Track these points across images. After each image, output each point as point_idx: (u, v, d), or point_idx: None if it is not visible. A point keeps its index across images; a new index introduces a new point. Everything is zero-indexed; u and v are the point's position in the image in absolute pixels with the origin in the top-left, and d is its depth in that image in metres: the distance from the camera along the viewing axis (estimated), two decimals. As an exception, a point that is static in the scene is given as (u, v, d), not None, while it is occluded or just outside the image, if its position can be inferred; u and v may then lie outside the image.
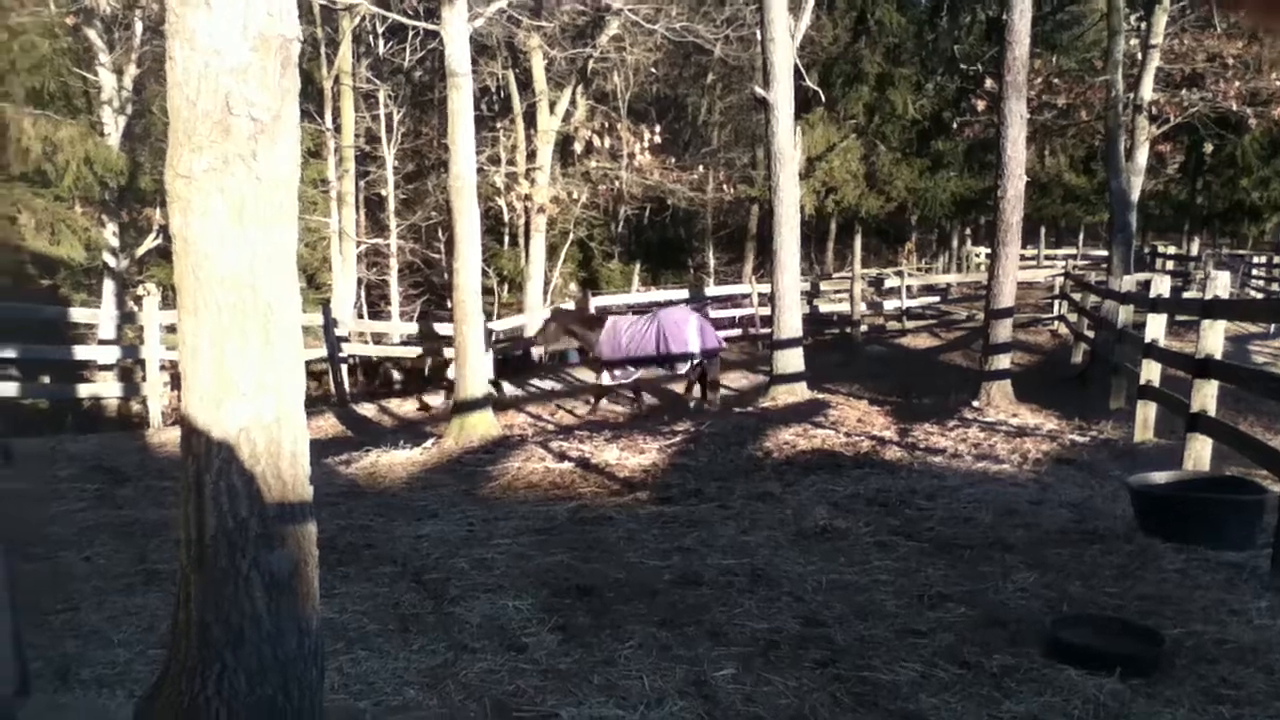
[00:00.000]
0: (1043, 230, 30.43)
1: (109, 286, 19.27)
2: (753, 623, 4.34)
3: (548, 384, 15.49)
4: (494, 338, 16.80)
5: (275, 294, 2.28)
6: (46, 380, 14.55)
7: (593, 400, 12.93)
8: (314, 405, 14.91)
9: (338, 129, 21.67)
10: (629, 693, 3.55)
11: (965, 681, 3.66)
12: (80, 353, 15.27)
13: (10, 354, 12.34)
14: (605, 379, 12.48)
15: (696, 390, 12.39)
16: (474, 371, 9.97)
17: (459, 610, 4.52)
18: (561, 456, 8.44)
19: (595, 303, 17.70)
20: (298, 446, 2.36)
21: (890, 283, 21.31)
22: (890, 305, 20.67)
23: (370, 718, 3.32)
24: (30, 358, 13.35)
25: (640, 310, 20.20)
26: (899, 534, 5.83)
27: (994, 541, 5.58)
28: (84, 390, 13.81)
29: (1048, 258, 29.97)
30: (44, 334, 14.63)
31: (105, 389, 14.18)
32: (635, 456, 8.39)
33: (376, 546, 5.71)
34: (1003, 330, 11.14)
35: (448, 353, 13.93)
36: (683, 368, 12.08)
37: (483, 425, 9.80)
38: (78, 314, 15.17)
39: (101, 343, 16.58)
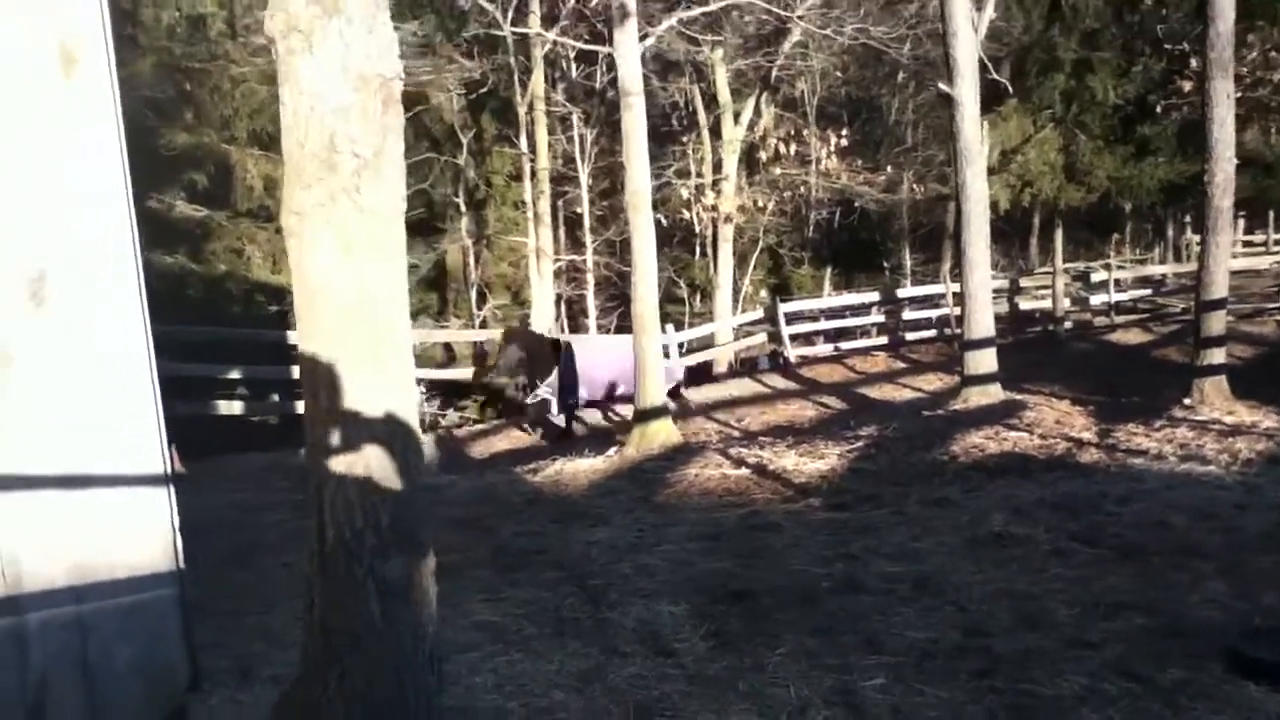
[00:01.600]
0: (1271, 215, 28.15)
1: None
2: (910, 631, 4.24)
3: (731, 390, 15.49)
4: (682, 347, 16.97)
5: (384, 319, 2.41)
6: (275, 398, 15.61)
7: (531, 426, 13.20)
8: (513, 416, 15.46)
9: (534, 152, 22.41)
10: (773, 700, 3.54)
11: (1133, 696, 3.46)
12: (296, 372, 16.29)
13: (236, 374, 13.32)
14: (554, 404, 12.79)
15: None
16: (653, 380, 10.12)
17: (615, 615, 4.61)
18: (739, 463, 8.44)
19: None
20: (410, 461, 2.49)
21: (1097, 276, 20.21)
22: (1097, 300, 19.60)
23: None
24: (256, 378, 14.40)
25: (832, 314, 20.05)
26: (1081, 540, 5.55)
27: (1185, 547, 5.23)
28: (301, 407, 14.72)
29: (1277, 243, 27.72)
30: (269, 356, 15.72)
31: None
32: (814, 462, 8.31)
33: (547, 552, 5.89)
34: (1215, 322, 10.39)
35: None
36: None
37: (663, 432, 9.93)
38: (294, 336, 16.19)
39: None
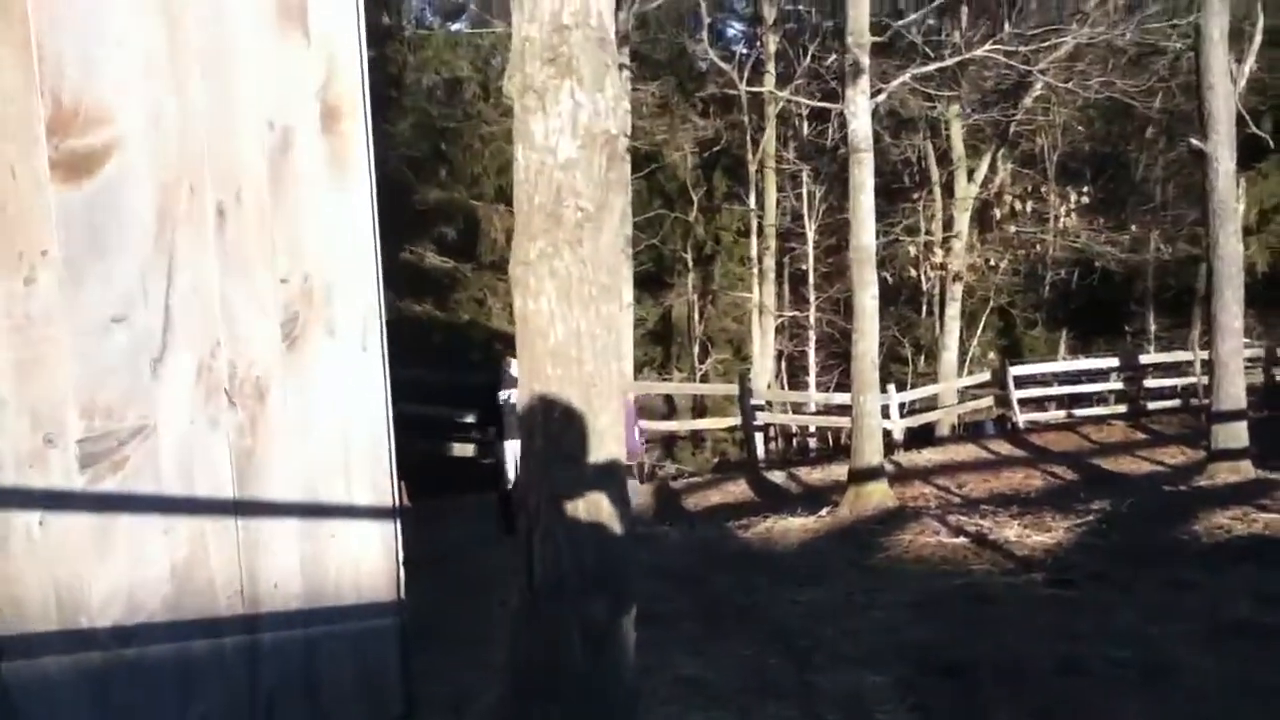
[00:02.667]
0: None
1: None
2: (1135, 721, 3.98)
3: (953, 454, 14.98)
4: (903, 407, 16.59)
5: (596, 366, 2.50)
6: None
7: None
8: (729, 471, 15.51)
9: (762, 209, 22.61)
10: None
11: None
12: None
13: (470, 419, 13.95)
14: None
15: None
16: (870, 439, 9.93)
17: (819, 679, 4.53)
18: (957, 531, 8.15)
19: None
20: (617, 507, 2.54)
21: (1368, 347, 18.45)
22: (1374, 372, 17.89)
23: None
24: (489, 422, 15.05)
25: (1066, 379, 19.04)
26: (1340, 634, 5.06)
27: None
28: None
29: None
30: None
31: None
32: (1039, 534, 7.92)
33: (754, 609, 5.86)
34: None
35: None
36: None
37: (878, 494, 9.72)
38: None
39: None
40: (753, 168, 22.71)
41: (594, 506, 2.50)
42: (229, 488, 2.79)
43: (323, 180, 3.14)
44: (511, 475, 9.43)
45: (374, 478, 3.30)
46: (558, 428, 2.48)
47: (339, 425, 3.17)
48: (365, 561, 3.26)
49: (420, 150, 21.61)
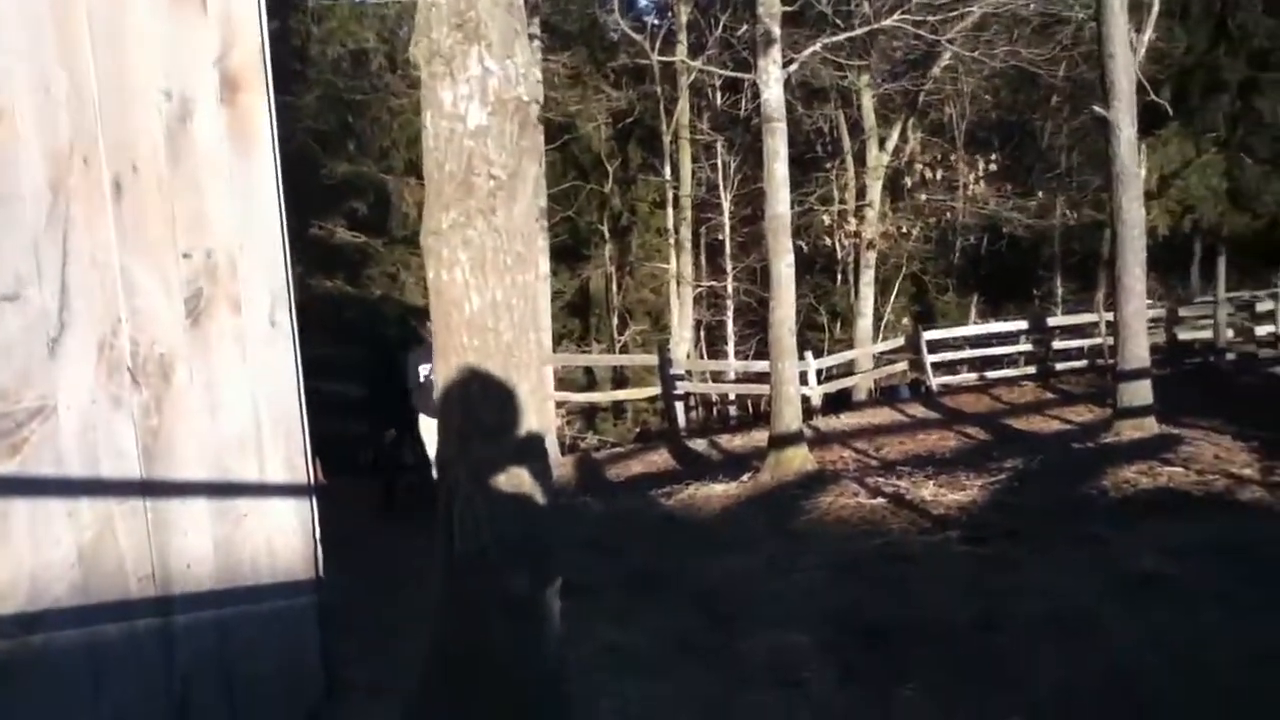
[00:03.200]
0: None
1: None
2: (1052, 673, 4.08)
3: (870, 418, 15.22)
4: (820, 373, 16.80)
5: (514, 336, 2.48)
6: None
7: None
8: (650, 441, 15.57)
9: (678, 179, 22.63)
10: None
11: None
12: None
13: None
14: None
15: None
16: (788, 405, 10.05)
17: (744, 643, 4.58)
18: (875, 492, 8.29)
19: None
20: (539, 478, 2.53)
21: (1263, 305, 19.15)
22: (1263, 330, 18.57)
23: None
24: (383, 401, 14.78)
25: (978, 342, 19.49)
26: (1244, 583, 5.26)
27: (1362, 594, 4.92)
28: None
29: None
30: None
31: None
32: (954, 493, 8.09)
33: (678, 576, 5.90)
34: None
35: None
36: None
37: (798, 459, 9.83)
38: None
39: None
40: (667, 139, 22.69)
41: (515, 478, 2.49)
42: (135, 468, 2.71)
43: (224, 152, 3.06)
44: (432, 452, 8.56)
45: (287, 455, 3.24)
46: (476, 399, 2.46)
47: (249, 402, 3.11)
48: (281, 540, 3.21)
49: (327, 123, 21.15)
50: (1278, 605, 4.80)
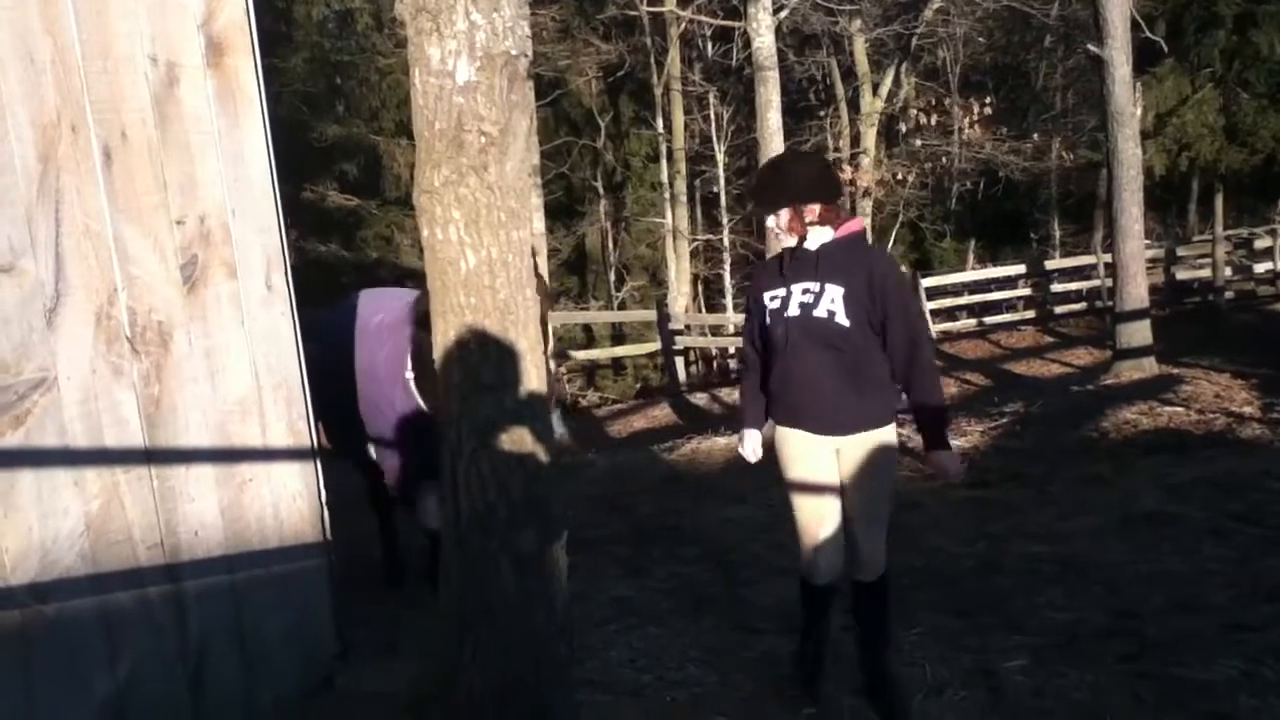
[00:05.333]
0: None
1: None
2: (1055, 613, 4.12)
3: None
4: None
5: (510, 293, 2.46)
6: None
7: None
8: (651, 396, 15.59)
9: (671, 133, 22.47)
10: (909, 680, 3.49)
11: (1293, 681, 3.31)
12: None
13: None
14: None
15: None
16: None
17: (749, 592, 4.62)
18: (877, 440, 8.30)
19: None
20: (541, 435, 2.53)
21: (1261, 243, 19.09)
22: (1261, 268, 18.53)
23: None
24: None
25: (976, 288, 19.40)
26: (1242, 520, 5.29)
27: (1355, 526, 4.95)
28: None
29: None
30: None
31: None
32: (955, 439, 8.10)
33: (683, 529, 5.94)
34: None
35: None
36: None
37: (799, 411, 9.85)
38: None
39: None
40: (659, 91, 22.49)
41: (517, 435, 2.49)
42: (139, 436, 2.72)
43: (213, 117, 3.03)
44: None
45: (289, 419, 3.25)
46: (475, 358, 2.45)
47: (249, 367, 3.11)
48: (286, 503, 3.22)
49: (315, 86, 20.94)
50: (1273, 542, 4.84)
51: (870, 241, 3.17)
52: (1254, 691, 3.25)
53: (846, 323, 3.10)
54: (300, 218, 18.27)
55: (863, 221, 3.15)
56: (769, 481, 7.32)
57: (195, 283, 2.94)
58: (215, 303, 3.00)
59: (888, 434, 3.22)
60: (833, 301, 3.11)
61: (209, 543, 2.93)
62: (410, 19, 2.41)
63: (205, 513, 2.93)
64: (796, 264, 3.23)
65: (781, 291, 3.24)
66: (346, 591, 3.61)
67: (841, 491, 3.28)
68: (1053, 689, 3.40)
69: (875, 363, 3.18)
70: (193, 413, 2.90)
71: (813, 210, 3.19)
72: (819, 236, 3.21)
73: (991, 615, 4.14)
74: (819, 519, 3.28)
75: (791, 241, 3.24)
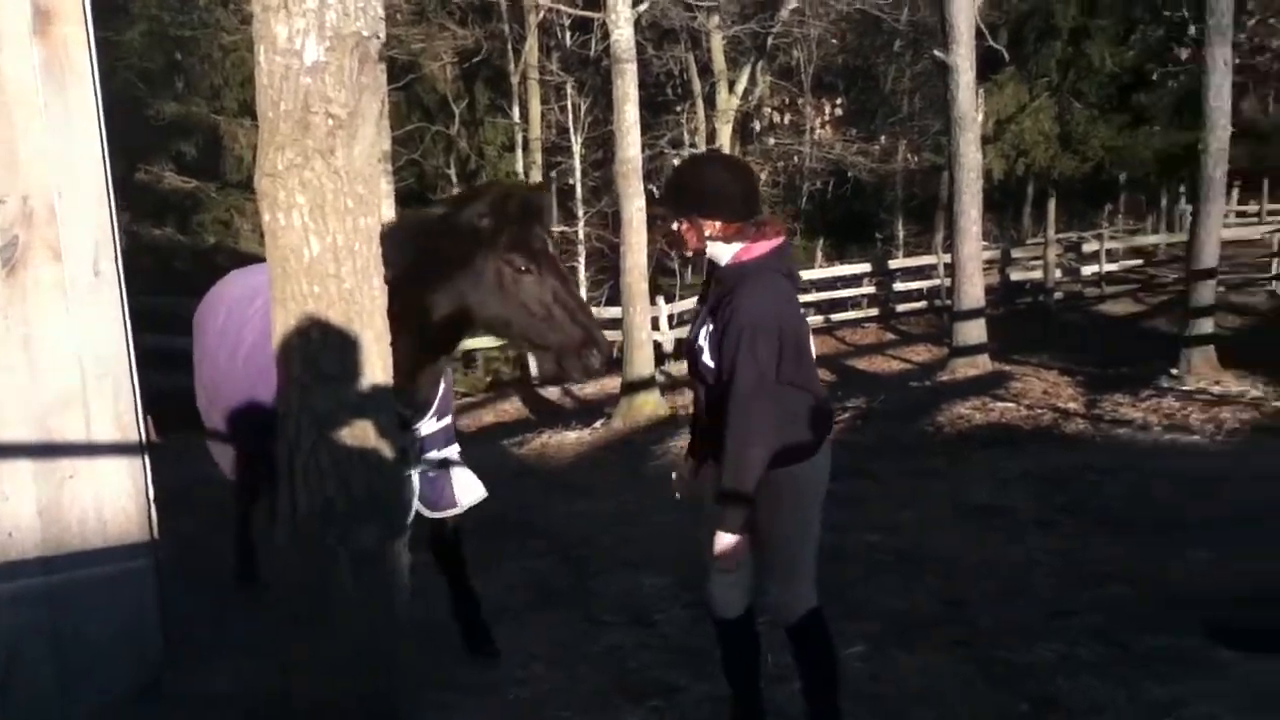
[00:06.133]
0: (1265, 184, 28.08)
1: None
2: (891, 601, 4.26)
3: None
4: (672, 319, 16.95)
5: (356, 283, 2.38)
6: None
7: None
8: (503, 389, 15.48)
9: (527, 122, 22.30)
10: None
11: (1109, 663, 3.50)
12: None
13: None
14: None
15: None
16: (640, 351, 10.12)
17: (598, 585, 4.63)
18: (726, 435, 8.43)
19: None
20: (386, 430, 2.47)
21: (1089, 246, 20.16)
22: (1088, 270, 19.58)
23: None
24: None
25: (823, 286, 19.88)
26: (1066, 511, 5.60)
27: (1169, 517, 5.27)
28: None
29: (1270, 213, 27.66)
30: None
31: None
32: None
33: (533, 524, 5.90)
34: (1205, 292, 10.37)
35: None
36: None
37: (650, 405, 9.93)
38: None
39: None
40: (515, 79, 22.30)
41: (360, 428, 2.41)
42: (-54, 430, 2.53)
43: (40, 89, 2.85)
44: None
45: (116, 411, 3.08)
46: (316, 349, 2.36)
47: (73, 356, 2.93)
48: (111, 501, 3.05)
49: (153, 62, 19.92)
50: (1092, 532, 5.13)
51: (780, 265, 2.84)
52: (1071, 673, 3.44)
53: (711, 363, 2.79)
54: (134, 200, 17.39)
55: (777, 242, 2.79)
56: (619, 476, 7.40)
57: (15, 265, 2.75)
58: (36, 288, 2.82)
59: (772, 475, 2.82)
60: (706, 336, 2.82)
61: (24, 544, 2.75)
62: (257, -6, 2.30)
63: (22, 511, 2.75)
64: (714, 281, 2.94)
65: (700, 307, 2.99)
66: (179, 589, 3.46)
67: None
68: (889, 674, 3.52)
69: None
70: (8, 405, 2.72)
71: (712, 225, 2.81)
72: (721, 254, 2.84)
73: (833, 604, 4.19)
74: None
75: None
